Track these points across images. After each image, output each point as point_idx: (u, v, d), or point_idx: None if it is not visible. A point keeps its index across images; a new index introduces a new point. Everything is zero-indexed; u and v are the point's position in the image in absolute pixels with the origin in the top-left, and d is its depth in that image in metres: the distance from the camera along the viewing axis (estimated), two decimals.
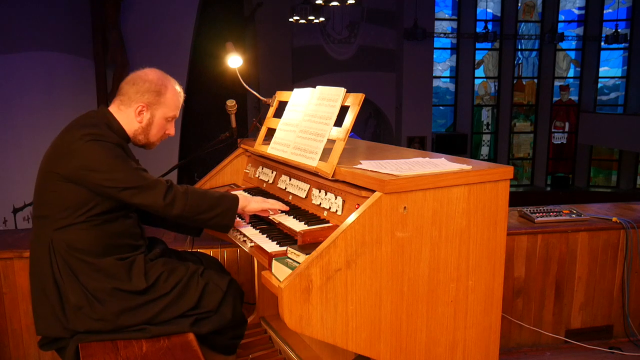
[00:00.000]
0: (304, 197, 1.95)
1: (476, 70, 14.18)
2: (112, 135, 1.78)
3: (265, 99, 2.41)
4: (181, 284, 1.86)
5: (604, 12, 13.92)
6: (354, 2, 9.49)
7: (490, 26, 13.47)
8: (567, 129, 14.42)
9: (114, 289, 1.77)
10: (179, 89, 1.94)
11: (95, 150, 1.71)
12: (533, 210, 2.92)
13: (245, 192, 2.30)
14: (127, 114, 1.87)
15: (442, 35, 13.48)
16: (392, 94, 13.12)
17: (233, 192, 2.29)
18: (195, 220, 1.83)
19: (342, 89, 1.85)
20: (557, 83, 14.39)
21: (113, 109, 1.87)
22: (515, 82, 14.32)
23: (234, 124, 2.56)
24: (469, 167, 1.66)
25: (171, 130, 1.97)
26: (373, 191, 1.53)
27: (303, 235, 1.64)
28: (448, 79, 14.32)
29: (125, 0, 8.43)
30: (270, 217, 1.95)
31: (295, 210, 1.92)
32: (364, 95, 1.78)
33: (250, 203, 1.94)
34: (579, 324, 2.84)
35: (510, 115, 14.33)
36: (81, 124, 1.78)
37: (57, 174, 1.71)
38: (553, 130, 14.47)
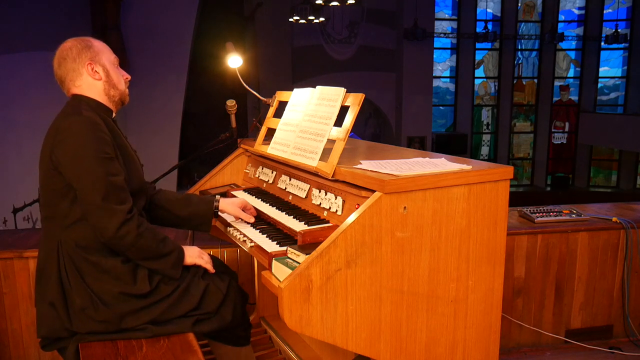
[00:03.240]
0: (304, 197, 1.95)
1: (476, 70, 14.19)
2: (102, 127, 1.73)
3: (265, 99, 2.41)
4: (183, 286, 1.86)
5: (604, 12, 13.92)
6: (354, 2, 9.49)
7: (490, 26, 13.47)
8: (567, 129, 14.42)
9: (119, 291, 1.77)
10: (93, 38, 1.92)
11: (84, 137, 1.67)
12: (533, 210, 2.92)
13: (245, 192, 2.30)
14: (86, 83, 1.84)
15: (442, 35, 13.48)
16: (392, 94, 13.12)
17: (233, 192, 2.30)
18: (138, 262, 1.81)
19: (342, 89, 1.85)
20: (557, 83, 14.40)
21: (75, 92, 1.86)
22: (515, 82, 14.33)
23: (234, 124, 2.56)
24: (469, 167, 1.66)
25: (126, 74, 1.96)
26: (373, 191, 1.53)
27: (303, 235, 1.64)
28: (448, 79, 14.33)
29: (125, 1, 8.43)
30: (271, 217, 1.95)
31: (295, 210, 1.92)
32: (364, 95, 1.78)
33: (186, 258, 1.90)
34: (579, 324, 2.84)
35: (510, 115, 14.34)
36: (66, 115, 1.75)
37: (55, 170, 1.70)
38: (553, 130, 14.46)
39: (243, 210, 2.07)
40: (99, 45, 1.89)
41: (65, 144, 1.67)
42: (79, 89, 1.84)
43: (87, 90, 1.85)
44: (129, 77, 1.96)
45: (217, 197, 2.11)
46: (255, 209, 2.08)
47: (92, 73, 1.84)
